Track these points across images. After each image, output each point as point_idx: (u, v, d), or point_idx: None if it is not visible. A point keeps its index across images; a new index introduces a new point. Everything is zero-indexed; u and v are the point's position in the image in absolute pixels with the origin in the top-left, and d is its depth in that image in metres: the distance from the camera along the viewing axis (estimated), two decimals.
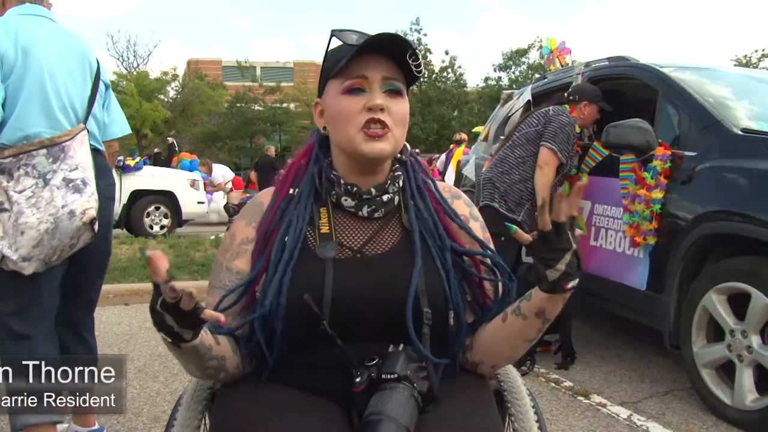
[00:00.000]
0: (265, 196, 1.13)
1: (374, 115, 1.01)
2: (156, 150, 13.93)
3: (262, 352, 1.00)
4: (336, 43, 1.06)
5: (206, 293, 1.07)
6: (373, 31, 1.02)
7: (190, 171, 10.27)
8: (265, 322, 0.99)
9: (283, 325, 0.98)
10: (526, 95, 4.38)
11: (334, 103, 1.04)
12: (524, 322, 1.01)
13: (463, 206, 1.16)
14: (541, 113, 3.35)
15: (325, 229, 1.05)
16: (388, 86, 1.03)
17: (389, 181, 1.08)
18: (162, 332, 0.88)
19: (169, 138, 13.93)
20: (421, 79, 26.62)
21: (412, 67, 1.03)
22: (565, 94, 3.47)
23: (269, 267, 1.02)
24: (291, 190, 1.09)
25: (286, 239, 1.03)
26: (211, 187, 10.79)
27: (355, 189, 1.06)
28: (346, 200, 1.07)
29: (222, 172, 11.50)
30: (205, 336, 0.93)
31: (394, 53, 1.02)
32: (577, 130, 3.41)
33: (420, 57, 1.05)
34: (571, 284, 0.93)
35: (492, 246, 1.12)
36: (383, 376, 0.92)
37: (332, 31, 1.05)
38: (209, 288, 1.08)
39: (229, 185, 11.45)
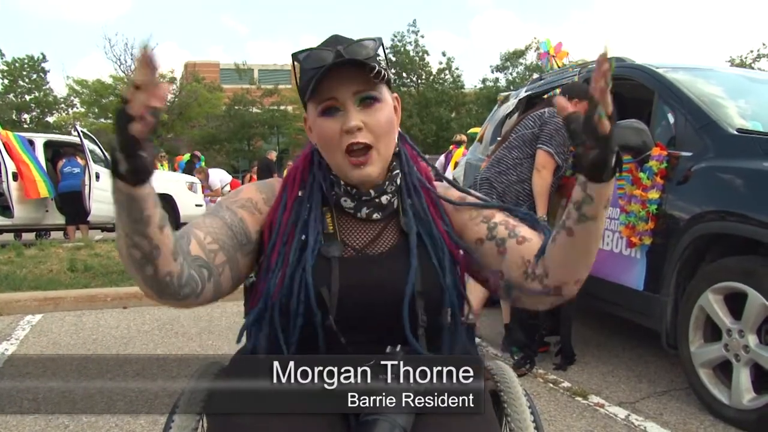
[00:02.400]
0: (281, 183, 1.14)
1: (353, 139, 1.01)
2: (196, 152, 13.71)
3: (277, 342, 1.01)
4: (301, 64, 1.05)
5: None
6: (369, 33, 1.02)
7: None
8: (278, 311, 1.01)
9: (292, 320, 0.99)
10: (521, 96, 4.39)
11: (316, 126, 1.05)
12: (595, 222, 0.93)
13: (455, 192, 1.16)
14: (536, 115, 3.35)
15: (330, 229, 1.08)
16: (362, 97, 1.02)
17: (387, 182, 1.09)
18: (120, 159, 0.77)
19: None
20: (419, 81, 26.76)
21: (372, 78, 1.00)
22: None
23: (290, 264, 1.02)
24: (300, 192, 1.11)
25: (302, 237, 1.05)
26: (209, 191, 10.79)
27: (354, 190, 1.08)
28: (345, 201, 1.08)
29: (219, 177, 11.51)
30: (151, 205, 0.89)
31: (359, 62, 1.00)
32: None
33: (379, 65, 1.01)
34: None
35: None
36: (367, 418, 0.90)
37: (292, 55, 1.04)
38: (205, 215, 1.08)
39: (227, 188, 11.45)
